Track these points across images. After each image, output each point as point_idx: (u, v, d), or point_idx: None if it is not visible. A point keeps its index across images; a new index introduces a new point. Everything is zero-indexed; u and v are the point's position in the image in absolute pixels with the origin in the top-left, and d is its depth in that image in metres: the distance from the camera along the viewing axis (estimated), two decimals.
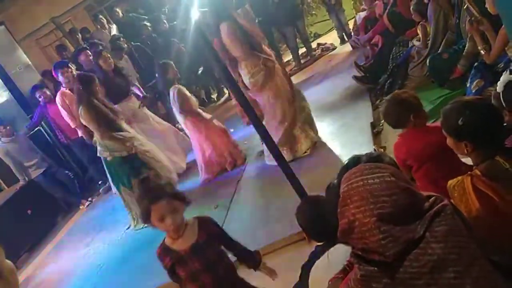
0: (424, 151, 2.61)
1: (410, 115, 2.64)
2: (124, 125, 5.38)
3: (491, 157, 1.84)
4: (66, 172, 7.38)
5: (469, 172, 1.85)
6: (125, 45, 8.00)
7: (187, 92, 5.65)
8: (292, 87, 5.00)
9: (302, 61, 8.79)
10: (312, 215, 2.36)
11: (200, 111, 5.65)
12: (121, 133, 5.20)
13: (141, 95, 6.60)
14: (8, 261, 2.48)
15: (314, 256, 2.26)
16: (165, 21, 9.08)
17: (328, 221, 2.15)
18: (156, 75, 6.26)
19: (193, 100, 5.63)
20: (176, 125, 8.10)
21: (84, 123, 5.18)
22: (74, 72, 6.34)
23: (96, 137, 5.19)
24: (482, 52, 3.86)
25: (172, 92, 5.48)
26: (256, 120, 3.39)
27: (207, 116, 5.65)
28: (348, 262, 1.85)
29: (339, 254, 2.06)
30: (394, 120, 2.75)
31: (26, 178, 6.96)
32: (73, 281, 5.10)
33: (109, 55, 6.29)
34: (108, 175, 5.44)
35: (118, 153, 5.16)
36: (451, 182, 1.88)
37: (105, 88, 5.66)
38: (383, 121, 4.71)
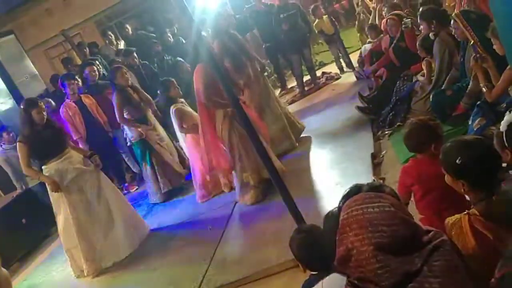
0: (435, 180, 2.59)
1: (432, 142, 2.67)
2: (148, 115, 6.08)
3: (488, 196, 1.85)
4: None
5: (466, 211, 1.87)
6: (136, 60, 8.07)
7: (189, 110, 5.70)
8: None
9: (306, 88, 8.85)
10: (306, 244, 2.34)
11: None
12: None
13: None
14: (4, 269, 2.46)
15: (308, 285, 2.24)
16: (169, 34, 9.17)
17: (322, 251, 2.16)
18: (158, 92, 6.27)
19: (195, 116, 5.61)
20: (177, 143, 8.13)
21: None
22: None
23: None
24: (484, 89, 3.90)
25: (171, 111, 5.56)
26: (257, 142, 3.42)
27: None
28: None
29: (333, 283, 2.05)
30: (416, 144, 2.76)
31: (23, 187, 6.94)
32: None
33: (43, 109, 4.84)
34: None
35: (134, 139, 5.97)
36: (448, 220, 1.89)
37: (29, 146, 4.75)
38: (384, 152, 4.74)
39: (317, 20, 9.07)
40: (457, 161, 1.87)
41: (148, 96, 6.16)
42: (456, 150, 1.91)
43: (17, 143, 4.80)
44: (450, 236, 1.84)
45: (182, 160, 6.33)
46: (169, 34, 9.20)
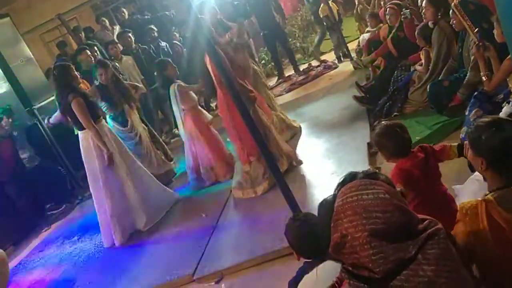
0: (420, 180, 2.53)
1: (408, 144, 2.61)
2: (127, 111, 5.88)
3: (507, 185, 1.80)
4: (59, 168, 7.33)
5: (483, 197, 1.82)
6: (132, 40, 8.04)
7: (187, 89, 5.58)
8: None
9: (302, 77, 8.85)
10: (301, 233, 2.34)
11: (201, 109, 5.65)
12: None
13: None
14: (0, 250, 2.44)
15: (302, 272, 2.25)
16: (175, 33, 9.14)
17: (317, 239, 2.16)
18: (155, 74, 6.12)
19: (193, 96, 5.57)
20: (173, 130, 8.12)
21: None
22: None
23: None
24: (484, 78, 3.88)
25: (172, 88, 5.46)
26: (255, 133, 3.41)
27: (208, 116, 5.65)
28: (337, 279, 1.84)
29: (327, 270, 2.05)
30: (402, 146, 2.61)
31: None
32: (56, 278, 5.05)
33: None
34: None
35: None
36: (463, 205, 1.84)
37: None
38: None
39: (322, 5, 8.99)
40: (483, 136, 1.83)
41: (130, 92, 5.99)
42: (486, 126, 1.85)
43: (74, 100, 4.67)
44: (463, 222, 1.81)
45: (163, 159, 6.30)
46: (175, 33, 9.15)
